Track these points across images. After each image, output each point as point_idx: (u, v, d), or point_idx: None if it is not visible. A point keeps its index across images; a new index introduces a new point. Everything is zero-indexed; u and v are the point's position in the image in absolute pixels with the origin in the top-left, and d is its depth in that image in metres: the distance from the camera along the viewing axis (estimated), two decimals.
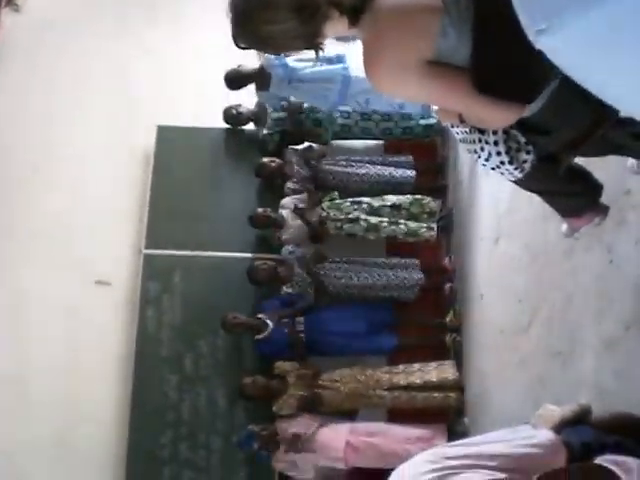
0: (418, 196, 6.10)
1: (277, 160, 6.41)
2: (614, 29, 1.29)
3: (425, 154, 6.47)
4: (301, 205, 6.12)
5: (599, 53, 1.35)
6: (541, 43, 1.36)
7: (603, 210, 3.19)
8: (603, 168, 3.09)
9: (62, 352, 6.39)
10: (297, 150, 6.47)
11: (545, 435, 1.83)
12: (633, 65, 1.33)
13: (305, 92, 6.16)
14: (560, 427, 1.94)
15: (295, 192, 6.30)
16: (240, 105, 6.67)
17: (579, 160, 2.85)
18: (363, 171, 6.25)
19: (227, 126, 6.89)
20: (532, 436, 1.81)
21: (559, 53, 1.40)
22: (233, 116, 6.67)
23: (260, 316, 5.96)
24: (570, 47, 1.35)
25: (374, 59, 2.05)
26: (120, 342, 6.48)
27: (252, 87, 6.37)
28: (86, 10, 7.33)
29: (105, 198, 6.78)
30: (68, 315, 6.47)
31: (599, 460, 1.68)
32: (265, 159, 6.42)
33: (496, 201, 4.97)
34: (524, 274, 4.41)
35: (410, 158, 6.33)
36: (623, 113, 1.59)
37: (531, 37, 1.37)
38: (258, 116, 6.60)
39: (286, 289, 6.13)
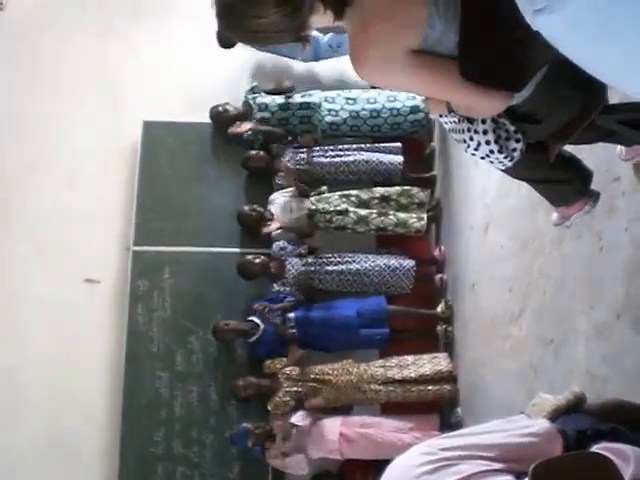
0: (407, 187, 6.10)
1: (263, 154, 6.39)
2: (614, 4, 1.27)
3: (413, 146, 6.45)
4: (291, 203, 6.12)
5: (599, 30, 1.33)
6: (539, 22, 1.34)
7: (594, 197, 3.18)
8: (592, 155, 3.10)
9: (52, 350, 6.38)
10: (285, 145, 6.45)
11: (541, 424, 1.82)
12: (635, 41, 1.32)
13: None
14: (555, 416, 1.93)
15: (284, 187, 6.29)
16: (227, 103, 6.64)
17: (568, 147, 2.85)
18: (351, 159, 6.23)
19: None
20: (528, 425, 1.80)
21: (557, 32, 1.39)
22: (219, 114, 6.64)
23: (250, 318, 5.96)
24: (568, 26, 1.33)
25: (361, 51, 2.03)
26: (110, 340, 6.47)
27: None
28: (70, 7, 7.27)
29: (93, 196, 6.74)
30: (58, 314, 6.45)
31: (595, 448, 1.67)
32: (252, 152, 6.41)
33: (485, 190, 4.97)
34: (514, 263, 4.42)
35: (398, 144, 6.30)
36: (628, 94, 1.57)
37: (528, 17, 1.35)
38: (244, 115, 6.57)
39: (277, 287, 6.12)
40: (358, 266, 5.97)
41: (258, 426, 5.71)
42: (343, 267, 5.98)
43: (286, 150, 6.37)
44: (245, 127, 6.40)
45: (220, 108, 6.63)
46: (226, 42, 6.03)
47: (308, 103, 6.36)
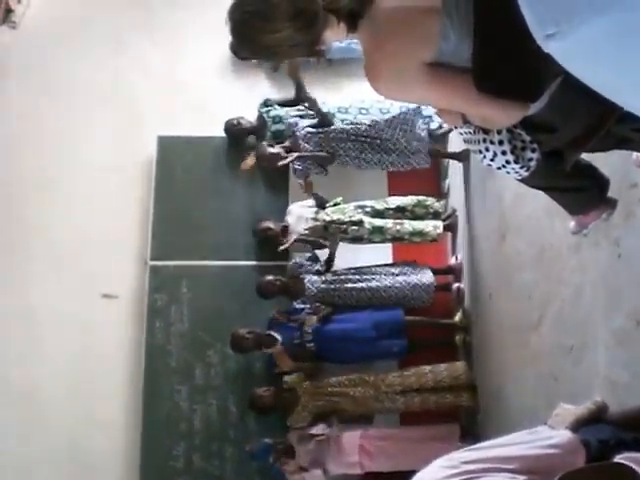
0: (421, 197, 6.09)
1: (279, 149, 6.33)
2: (625, 35, 1.27)
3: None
4: (308, 214, 6.10)
5: (609, 58, 1.34)
6: (550, 47, 1.35)
7: (611, 205, 3.17)
8: (608, 163, 3.08)
9: (71, 366, 6.41)
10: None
11: (563, 435, 1.81)
12: None
13: None
14: (577, 426, 1.92)
15: (302, 170, 6.25)
16: (242, 117, 6.65)
17: (584, 155, 2.84)
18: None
19: None
20: (550, 437, 1.80)
21: (569, 58, 1.39)
22: (233, 127, 6.65)
23: (269, 332, 5.95)
24: (580, 52, 1.34)
25: (376, 66, 2.04)
26: (129, 354, 6.49)
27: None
28: (83, 26, 7.32)
29: (109, 211, 6.78)
30: (76, 329, 6.48)
31: (618, 458, 1.66)
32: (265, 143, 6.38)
33: (501, 198, 4.95)
34: (532, 271, 4.40)
35: None
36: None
37: (539, 41, 1.36)
38: (258, 129, 6.59)
39: (297, 305, 6.11)
40: (378, 283, 5.94)
41: (279, 442, 5.70)
42: (363, 285, 5.96)
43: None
44: (251, 162, 6.35)
45: (234, 121, 6.65)
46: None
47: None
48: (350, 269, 6.09)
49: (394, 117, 6.03)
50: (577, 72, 1.44)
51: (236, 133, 6.69)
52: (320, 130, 6.15)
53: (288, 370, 5.90)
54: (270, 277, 6.04)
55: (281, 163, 6.20)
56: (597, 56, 1.34)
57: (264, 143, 6.37)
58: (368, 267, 6.09)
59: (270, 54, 2.14)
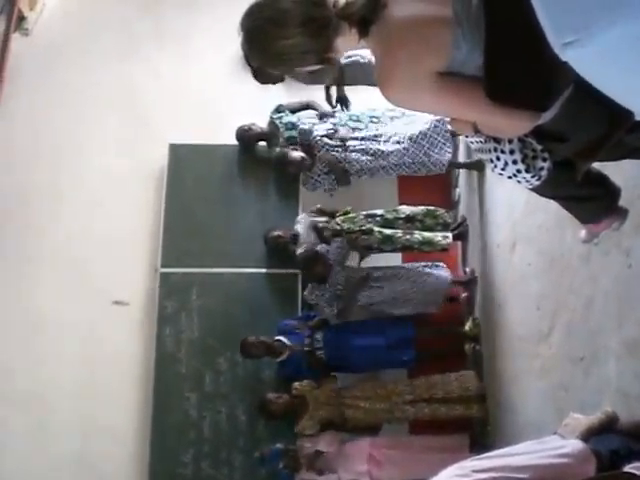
0: (431, 207, 6.08)
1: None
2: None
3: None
4: (318, 223, 6.09)
5: (628, 66, 1.33)
6: (568, 56, 1.34)
7: (622, 214, 3.16)
8: (619, 172, 3.07)
9: (82, 373, 6.42)
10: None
11: (574, 445, 1.81)
12: None
13: None
14: (588, 436, 1.92)
15: (313, 184, 6.22)
16: (253, 124, 6.67)
17: (595, 164, 2.83)
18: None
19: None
20: (561, 446, 1.80)
21: (587, 66, 1.39)
22: (244, 133, 6.67)
23: (278, 338, 5.95)
24: (598, 60, 1.33)
25: (388, 75, 2.04)
26: (139, 361, 6.50)
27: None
28: (95, 33, 7.37)
29: (120, 218, 6.81)
30: (87, 336, 6.50)
31: (628, 468, 1.66)
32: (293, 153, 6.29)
33: (511, 207, 4.95)
34: (542, 280, 4.39)
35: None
36: None
37: (557, 50, 1.35)
38: (269, 135, 6.60)
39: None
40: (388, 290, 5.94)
41: (290, 449, 5.70)
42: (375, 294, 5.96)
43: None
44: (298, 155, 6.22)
45: (245, 127, 6.67)
46: (263, 78, 6.04)
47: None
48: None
49: (417, 137, 5.99)
50: (594, 80, 1.44)
51: (247, 139, 6.70)
52: (338, 143, 6.14)
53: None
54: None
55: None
56: (615, 63, 1.34)
57: (288, 149, 6.33)
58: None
59: (282, 61, 2.15)
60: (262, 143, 6.74)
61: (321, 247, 5.98)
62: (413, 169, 6.05)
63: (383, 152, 5.98)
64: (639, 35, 1.25)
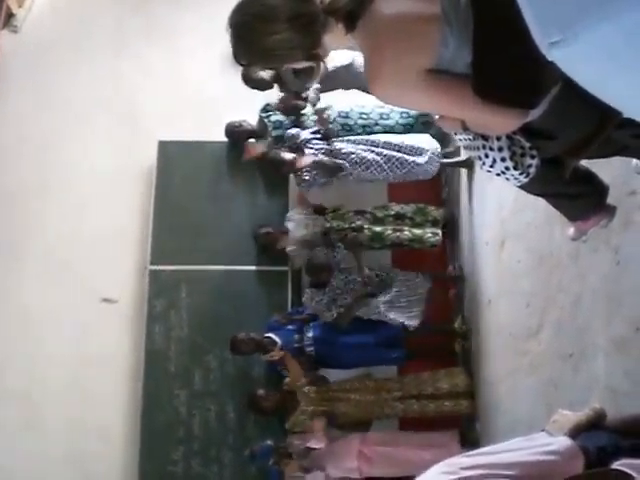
0: (421, 205, 6.08)
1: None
2: (630, 41, 1.27)
3: None
4: (307, 220, 6.09)
5: (614, 65, 1.33)
6: (554, 55, 1.34)
7: (610, 211, 3.17)
8: (607, 169, 3.09)
9: (71, 371, 6.41)
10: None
11: (561, 442, 1.81)
12: None
13: None
14: (575, 432, 1.93)
15: (308, 181, 6.15)
16: (244, 120, 6.66)
17: (584, 162, 2.84)
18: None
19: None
20: (548, 443, 1.80)
21: (573, 65, 1.39)
22: (234, 129, 6.66)
23: (268, 335, 5.94)
24: (584, 60, 1.33)
25: (376, 73, 2.04)
26: (128, 359, 6.49)
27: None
28: (84, 30, 7.35)
29: (109, 216, 6.79)
30: (76, 334, 6.49)
31: (616, 464, 1.66)
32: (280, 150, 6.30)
33: (500, 205, 4.96)
34: (531, 277, 4.40)
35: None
36: None
37: (543, 49, 1.35)
38: (259, 133, 6.59)
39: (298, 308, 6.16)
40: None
41: (280, 446, 5.70)
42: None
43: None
44: (259, 150, 6.28)
45: (236, 123, 6.65)
46: (253, 83, 6.08)
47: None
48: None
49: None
50: (581, 80, 1.44)
51: (237, 135, 6.68)
52: (326, 146, 6.13)
53: (294, 380, 5.86)
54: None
55: (301, 165, 6.11)
56: (601, 63, 1.33)
57: (278, 150, 6.31)
58: None
59: (270, 57, 2.15)
60: (252, 140, 6.72)
61: (324, 251, 6.02)
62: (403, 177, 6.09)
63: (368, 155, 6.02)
64: (625, 35, 1.25)
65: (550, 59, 1.36)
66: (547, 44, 1.32)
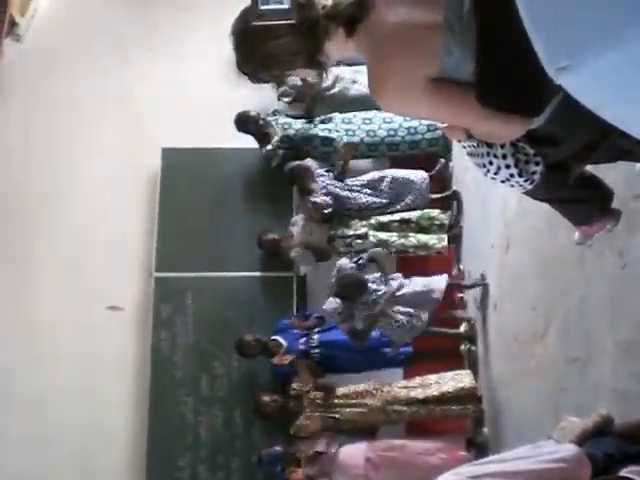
0: (427, 209, 6.09)
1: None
2: (638, 68, 1.26)
3: (431, 164, 6.45)
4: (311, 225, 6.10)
5: (623, 92, 1.32)
6: (562, 80, 1.33)
7: (615, 216, 3.16)
8: (612, 174, 3.08)
9: (78, 378, 6.43)
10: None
11: (569, 449, 1.81)
12: None
13: None
14: (582, 439, 1.92)
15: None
16: (259, 113, 6.65)
17: (588, 166, 2.84)
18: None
19: (232, 146, 6.87)
20: (556, 451, 1.79)
21: (582, 91, 1.38)
22: (244, 114, 6.62)
23: (274, 337, 5.94)
24: (592, 85, 1.32)
25: (379, 82, 2.04)
26: (135, 366, 6.51)
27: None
28: (87, 38, 7.37)
29: (115, 224, 6.81)
30: (82, 341, 6.50)
31: (624, 472, 1.66)
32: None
33: (505, 208, 4.96)
34: (537, 281, 4.40)
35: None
36: None
37: (551, 74, 1.34)
38: (263, 135, 6.59)
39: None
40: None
41: (289, 452, 5.69)
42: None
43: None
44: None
45: (247, 112, 6.65)
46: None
47: (329, 138, 6.36)
48: None
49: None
50: (590, 104, 1.43)
51: (244, 119, 6.64)
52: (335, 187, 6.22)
53: (301, 384, 5.85)
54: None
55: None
56: (610, 90, 1.33)
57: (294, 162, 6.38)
58: None
59: (272, 63, 2.15)
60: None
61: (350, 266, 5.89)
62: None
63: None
64: (633, 62, 1.24)
65: (557, 83, 1.35)
66: (555, 69, 1.31)
